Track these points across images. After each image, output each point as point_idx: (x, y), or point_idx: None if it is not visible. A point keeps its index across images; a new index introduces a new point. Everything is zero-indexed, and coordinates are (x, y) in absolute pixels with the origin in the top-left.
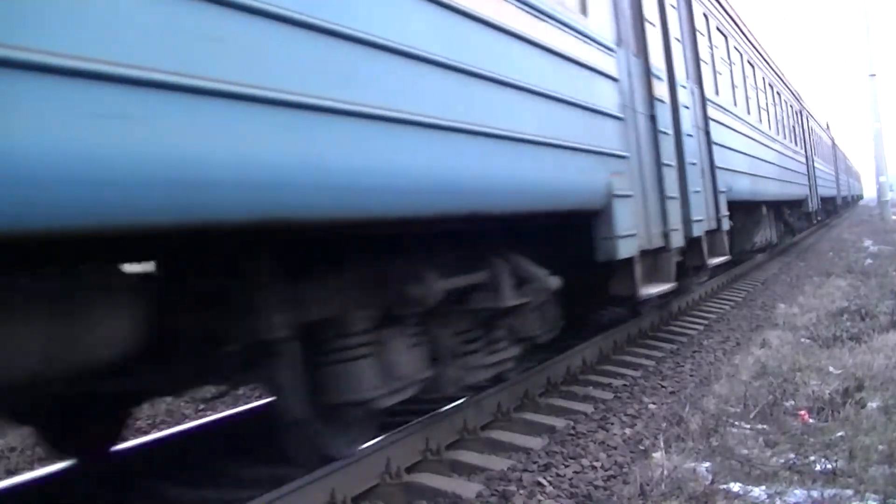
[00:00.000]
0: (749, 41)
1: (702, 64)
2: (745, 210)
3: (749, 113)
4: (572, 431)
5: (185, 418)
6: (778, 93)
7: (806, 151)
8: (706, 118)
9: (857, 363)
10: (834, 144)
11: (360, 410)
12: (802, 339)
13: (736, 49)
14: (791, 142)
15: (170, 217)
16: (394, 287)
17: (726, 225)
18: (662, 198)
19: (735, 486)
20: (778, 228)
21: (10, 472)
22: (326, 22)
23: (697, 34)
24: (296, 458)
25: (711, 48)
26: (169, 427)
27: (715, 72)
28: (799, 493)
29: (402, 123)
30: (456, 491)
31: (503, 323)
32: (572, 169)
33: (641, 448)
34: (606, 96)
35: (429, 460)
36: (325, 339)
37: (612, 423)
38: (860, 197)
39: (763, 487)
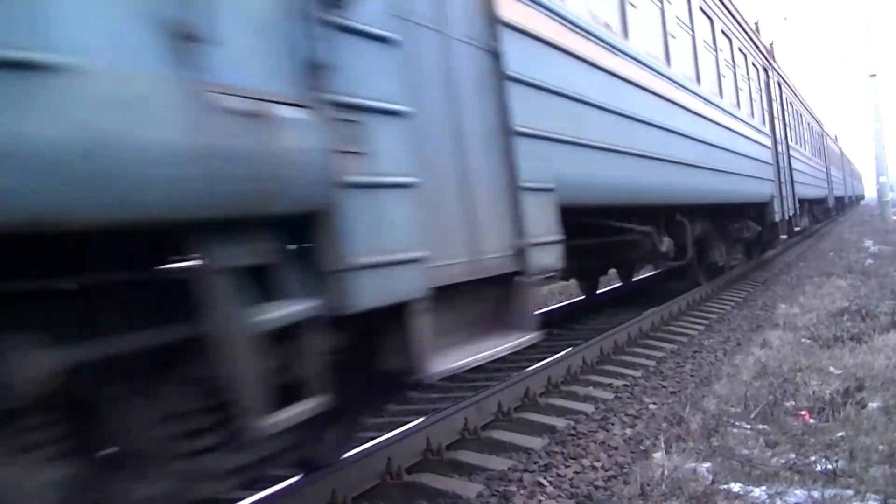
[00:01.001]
0: (801, 101)
1: (787, 128)
2: None
3: (800, 146)
4: (573, 431)
5: None
6: (812, 127)
7: (825, 163)
8: (790, 156)
9: (858, 363)
10: (842, 154)
11: (715, 265)
12: (803, 340)
13: (797, 111)
14: (818, 158)
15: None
16: (730, 230)
17: (798, 211)
18: (781, 197)
19: (735, 487)
20: (809, 218)
21: None
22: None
23: (786, 113)
24: (686, 284)
25: (790, 115)
26: None
27: (791, 127)
28: (799, 493)
29: (736, 176)
30: (456, 491)
31: (734, 246)
32: (763, 186)
33: (642, 448)
34: (769, 156)
35: (429, 460)
36: (709, 245)
37: (613, 424)
38: (862, 197)
39: (764, 488)
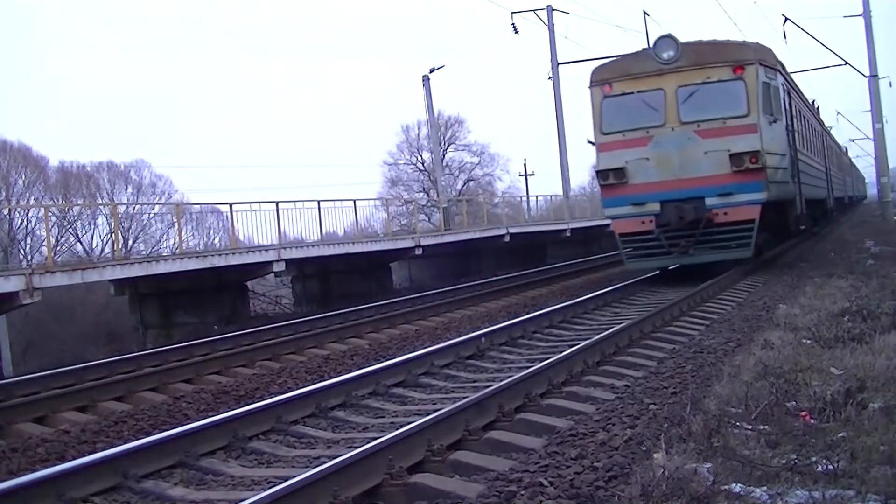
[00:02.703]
0: (833, 139)
1: (829, 160)
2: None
3: (833, 167)
4: (574, 432)
5: (186, 418)
6: (836, 152)
7: (843, 174)
8: (831, 175)
9: (859, 364)
10: (851, 163)
11: (801, 229)
12: (804, 340)
13: (832, 147)
14: (840, 171)
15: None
16: (812, 212)
17: (834, 204)
18: (829, 196)
19: (736, 487)
20: (835, 209)
21: (12, 473)
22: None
23: (829, 151)
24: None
25: (829, 150)
26: (170, 427)
27: (829, 158)
28: (800, 493)
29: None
30: (457, 491)
31: (809, 220)
32: (822, 191)
33: (643, 449)
34: (824, 175)
35: (431, 461)
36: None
37: (614, 424)
38: (864, 197)
39: (764, 488)
